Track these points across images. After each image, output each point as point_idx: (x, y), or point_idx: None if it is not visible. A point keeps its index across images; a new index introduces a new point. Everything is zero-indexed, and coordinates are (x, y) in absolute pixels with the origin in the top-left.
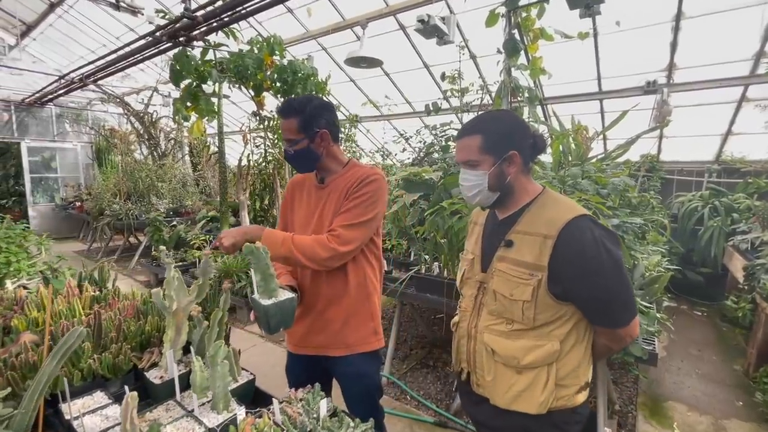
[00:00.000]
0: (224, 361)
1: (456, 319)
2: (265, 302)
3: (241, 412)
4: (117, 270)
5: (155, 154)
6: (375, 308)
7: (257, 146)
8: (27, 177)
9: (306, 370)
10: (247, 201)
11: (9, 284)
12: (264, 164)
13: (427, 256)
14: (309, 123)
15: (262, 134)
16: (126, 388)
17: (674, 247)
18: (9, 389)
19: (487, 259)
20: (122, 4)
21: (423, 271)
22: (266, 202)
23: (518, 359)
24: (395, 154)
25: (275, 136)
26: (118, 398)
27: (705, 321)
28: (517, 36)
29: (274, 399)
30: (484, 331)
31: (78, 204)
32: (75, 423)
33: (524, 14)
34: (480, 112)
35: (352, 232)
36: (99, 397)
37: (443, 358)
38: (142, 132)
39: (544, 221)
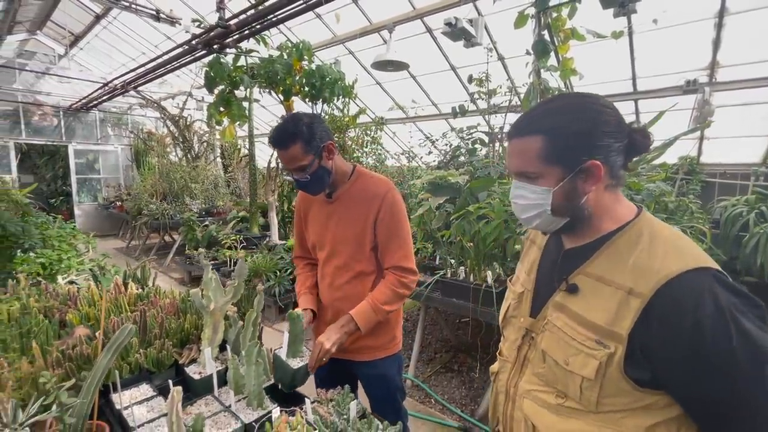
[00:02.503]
0: (258, 360)
1: (495, 367)
2: (295, 365)
3: (275, 409)
4: (153, 267)
5: (189, 156)
6: (397, 318)
7: None
8: (73, 178)
9: (331, 372)
10: (275, 202)
11: (60, 280)
12: None
13: (452, 260)
14: (312, 140)
15: None
16: (170, 382)
17: (715, 255)
18: (73, 380)
19: (539, 300)
20: (162, 15)
21: (448, 275)
22: (293, 203)
23: None
24: (421, 157)
25: None
26: (161, 391)
27: None
28: (547, 37)
29: (306, 399)
30: (525, 395)
31: (118, 204)
32: (125, 412)
33: (554, 14)
34: (538, 101)
35: (405, 250)
36: (144, 389)
37: (468, 362)
38: (177, 135)
39: (632, 267)
